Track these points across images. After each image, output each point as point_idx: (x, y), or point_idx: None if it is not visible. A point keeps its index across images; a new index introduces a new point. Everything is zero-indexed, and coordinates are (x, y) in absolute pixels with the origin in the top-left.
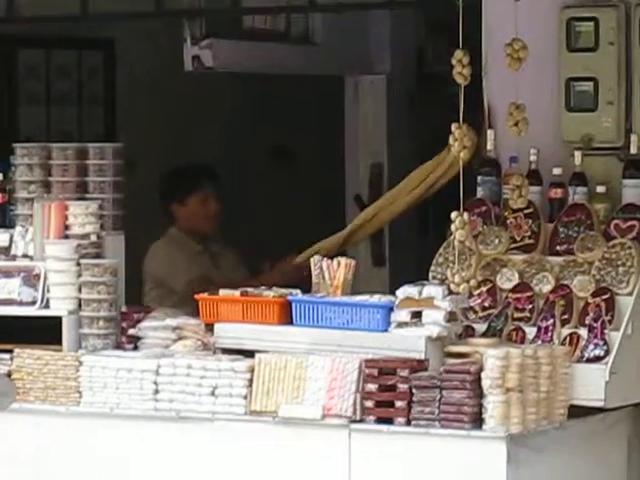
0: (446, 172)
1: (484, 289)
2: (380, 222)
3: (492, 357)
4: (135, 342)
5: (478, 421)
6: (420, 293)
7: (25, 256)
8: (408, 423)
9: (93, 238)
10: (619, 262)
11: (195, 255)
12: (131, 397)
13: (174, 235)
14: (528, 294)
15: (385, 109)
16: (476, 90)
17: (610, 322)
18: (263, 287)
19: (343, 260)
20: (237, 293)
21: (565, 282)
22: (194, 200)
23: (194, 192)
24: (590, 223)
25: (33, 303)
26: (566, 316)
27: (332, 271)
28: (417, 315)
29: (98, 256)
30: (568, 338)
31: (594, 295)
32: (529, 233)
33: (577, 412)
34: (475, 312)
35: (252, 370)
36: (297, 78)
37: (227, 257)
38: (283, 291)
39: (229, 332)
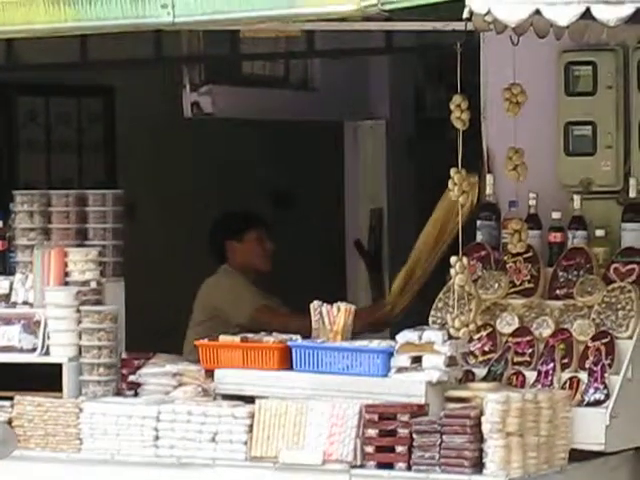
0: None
1: (484, 333)
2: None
3: (492, 401)
4: (135, 388)
5: (479, 466)
6: (420, 338)
7: (25, 303)
8: (409, 468)
9: (93, 285)
10: (619, 306)
11: (254, 291)
12: (132, 443)
13: (228, 271)
14: (528, 338)
15: (384, 154)
16: (475, 135)
17: (610, 366)
18: (263, 333)
19: (343, 305)
20: (237, 339)
21: (565, 326)
22: (251, 237)
23: (251, 230)
24: (589, 267)
25: (33, 350)
26: (566, 360)
27: (332, 316)
28: (417, 360)
29: (98, 303)
30: (568, 382)
31: (594, 339)
32: (528, 277)
33: (578, 456)
34: (475, 357)
35: (252, 416)
36: (296, 124)
37: (273, 302)
38: (283, 337)
39: (229, 378)
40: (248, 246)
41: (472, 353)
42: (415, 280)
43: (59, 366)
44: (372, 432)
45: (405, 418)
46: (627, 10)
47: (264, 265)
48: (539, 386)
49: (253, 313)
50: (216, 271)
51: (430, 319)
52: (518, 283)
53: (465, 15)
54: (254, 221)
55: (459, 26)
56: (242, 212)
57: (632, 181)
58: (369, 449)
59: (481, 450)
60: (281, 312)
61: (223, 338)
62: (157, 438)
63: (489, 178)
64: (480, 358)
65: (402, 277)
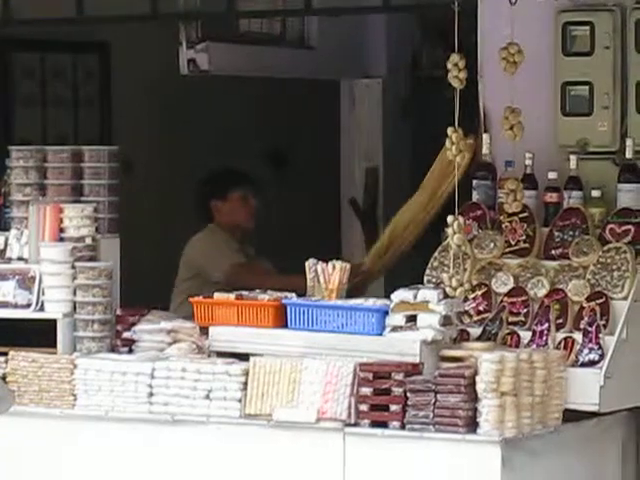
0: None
1: (479, 293)
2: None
3: (487, 361)
4: (130, 345)
5: (473, 425)
6: (415, 297)
7: (20, 259)
8: (402, 427)
9: (88, 241)
10: (614, 266)
11: (234, 249)
12: (125, 400)
13: (214, 229)
14: (523, 298)
15: (381, 113)
16: (472, 94)
17: (605, 326)
18: (258, 290)
19: (338, 264)
20: (232, 296)
21: (560, 286)
22: (235, 197)
23: (235, 189)
24: (585, 227)
25: (28, 306)
26: (561, 320)
27: (327, 274)
28: (412, 319)
29: (93, 259)
30: (563, 342)
31: (589, 299)
32: (524, 237)
33: (572, 416)
34: (470, 316)
35: (247, 373)
36: (292, 82)
37: (261, 263)
38: (278, 294)
39: (224, 335)
40: (232, 205)
41: (467, 312)
42: (398, 244)
43: (54, 322)
44: (366, 390)
45: (399, 377)
46: None
47: (248, 223)
48: (534, 346)
49: (228, 270)
50: (202, 229)
51: (425, 278)
52: (513, 243)
53: None
54: (237, 179)
55: None
56: (225, 171)
57: (628, 142)
58: (363, 407)
59: (475, 409)
60: (259, 271)
61: (218, 295)
62: (151, 395)
63: (485, 137)
64: (475, 318)
65: (384, 240)
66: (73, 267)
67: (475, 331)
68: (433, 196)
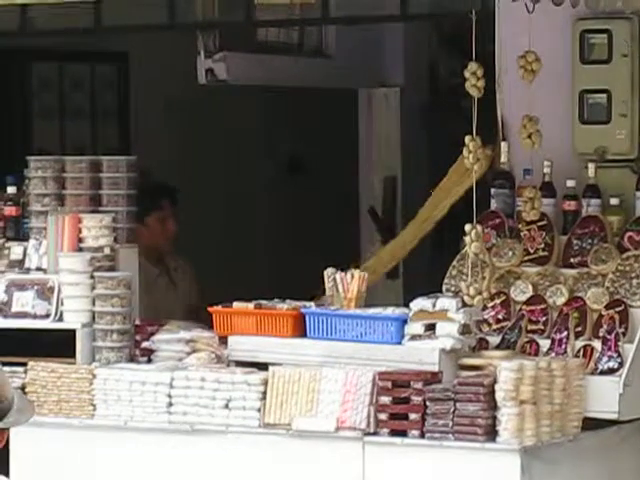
0: (462, 183)
1: (498, 301)
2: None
3: (506, 369)
4: (149, 355)
5: (492, 433)
6: (434, 305)
7: (39, 269)
8: (422, 436)
9: (107, 251)
10: (633, 274)
11: (154, 280)
12: (145, 410)
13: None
14: (542, 306)
15: (399, 122)
16: (490, 103)
17: (624, 334)
18: (277, 300)
19: (357, 273)
20: (251, 306)
21: (579, 294)
22: (151, 220)
23: (151, 212)
24: (604, 235)
25: (47, 316)
26: (580, 328)
27: (345, 284)
28: (431, 327)
29: (112, 269)
30: (582, 350)
31: (608, 307)
32: (543, 245)
33: (591, 424)
34: (489, 325)
35: (266, 383)
36: (310, 91)
37: (185, 270)
38: (297, 304)
39: (243, 345)
40: (149, 229)
41: (486, 321)
42: (405, 250)
43: (73, 332)
44: (385, 399)
45: (419, 386)
46: None
47: (164, 245)
48: (553, 354)
49: None
50: None
51: (444, 287)
52: (532, 251)
53: None
54: (158, 199)
55: None
56: (147, 187)
57: None
58: (382, 416)
59: (494, 418)
60: None
61: (237, 305)
62: (170, 404)
63: (504, 146)
64: (494, 326)
65: (393, 247)
66: (92, 277)
67: (494, 339)
68: (437, 206)
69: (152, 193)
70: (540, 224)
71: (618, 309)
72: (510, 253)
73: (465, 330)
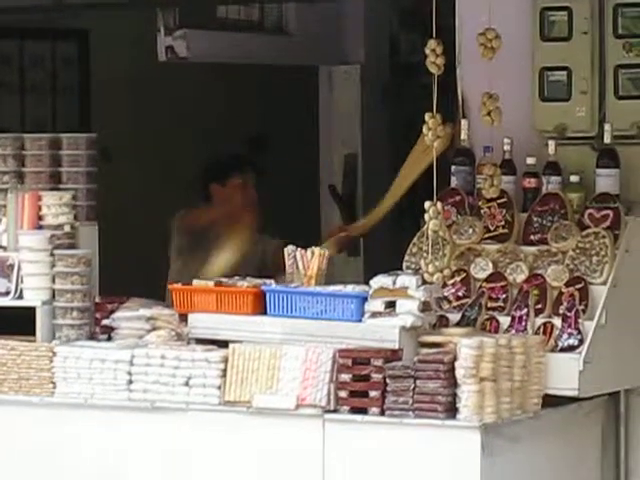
0: (421, 160)
1: (458, 279)
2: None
3: (466, 347)
4: (109, 332)
5: (452, 411)
6: (394, 283)
7: None
8: (382, 413)
9: (67, 229)
10: (593, 251)
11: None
12: (105, 387)
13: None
14: (502, 284)
15: (359, 99)
16: (450, 80)
17: (584, 311)
18: (237, 277)
19: (317, 250)
20: (211, 283)
21: (539, 272)
22: (234, 183)
23: (234, 175)
24: (564, 212)
25: (7, 294)
26: (540, 305)
27: (306, 261)
28: (391, 305)
29: (72, 247)
30: (542, 327)
31: (568, 285)
32: (503, 223)
33: (551, 401)
34: (449, 302)
35: (226, 360)
36: (271, 68)
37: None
38: (257, 281)
39: (203, 322)
40: (231, 191)
41: (446, 298)
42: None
43: (33, 310)
44: (346, 377)
45: (379, 363)
46: None
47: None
48: (513, 331)
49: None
50: None
51: (404, 264)
52: (492, 228)
53: None
54: (238, 166)
55: None
56: (228, 156)
57: (607, 127)
58: (343, 394)
59: (454, 395)
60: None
61: (196, 282)
62: (130, 382)
63: (464, 123)
64: (454, 303)
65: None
66: (52, 255)
67: (454, 317)
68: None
69: (235, 161)
70: (500, 201)
71: (578, 286)
72: (470, 230)
73: (425, 307)
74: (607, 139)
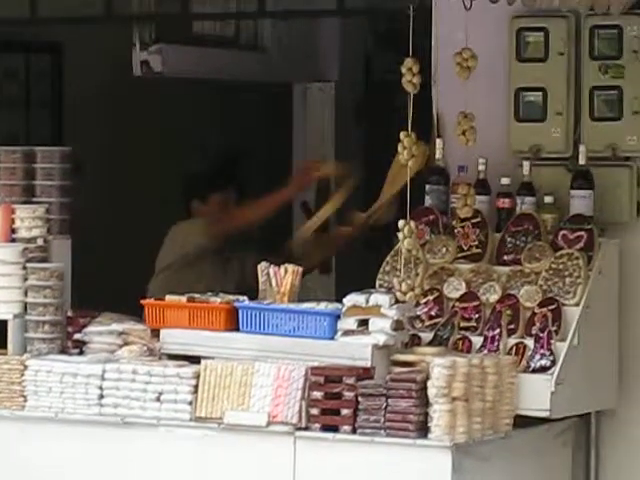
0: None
1: (431, 298)
2: None
3: (438, 366)
4: (81, 347)
5: (424, 430)
6: (367, 301)
7: None
8: (354, 431)
9: (39, 242)
10: (566, 272)
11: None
12: (76, 402)
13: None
14: (475, 303)
15: (333, 116)
16: (426, 99)
17: (557, 332)
18: (210, 293)
19: (290, 267)
20: (184, 299)
21: (512, 292)
22: (215, 200)
23: (216, 193)
24: (538, 233)
25: None
26: (512, 326)
27: (279, 278)
28: (364, 323)
29: (44, 260)
30: (514, 348)
31: (541, 305)
32: (476, 242)
33: (523, 422)
34: (422, 321)
35: (198, 376)
36: (246, 84)
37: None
38: (230, 297)
39: (175, 338)
40: (212, 209)
41: (419, 317)
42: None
43: (4, 323)
44: (317, 394)
45: (351, 381)
46: None
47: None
48: (485, 351)
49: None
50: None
51: (377, 282)
52: (466, 248)
53: None
54: (222, 182)
55: None
56: (209, 172)
57: (582, 148)
58: (314, 411)
59: (426, 414)
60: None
61: (169, 297)
62: (102, 397)
63: (439, 142)
64: (427, 322)
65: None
66: (24, 268)
67: (427, 336)
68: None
69: (218, 177)
70: (474, 221)
71: (551, 307)
72: (444, 250)
73: (398, 326)
74: (582, 160)
